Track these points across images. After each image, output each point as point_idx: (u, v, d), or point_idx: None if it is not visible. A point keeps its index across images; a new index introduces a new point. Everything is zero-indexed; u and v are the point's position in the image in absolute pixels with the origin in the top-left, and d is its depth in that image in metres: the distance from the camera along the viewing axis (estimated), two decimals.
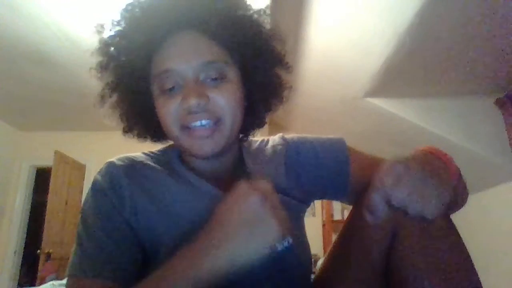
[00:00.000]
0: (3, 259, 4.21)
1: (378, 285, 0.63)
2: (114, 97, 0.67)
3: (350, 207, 0.75)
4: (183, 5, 0.59)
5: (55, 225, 3.92)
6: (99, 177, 0.64)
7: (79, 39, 2.84)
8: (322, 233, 4.25)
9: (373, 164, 0.71)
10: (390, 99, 2.84)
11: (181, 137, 0.60)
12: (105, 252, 0.57)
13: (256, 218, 0.47)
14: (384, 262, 0.62)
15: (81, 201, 4.45)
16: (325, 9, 2.27)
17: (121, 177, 0.63)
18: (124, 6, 0.63)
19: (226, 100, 0.59)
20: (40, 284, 1.11)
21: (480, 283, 0.57)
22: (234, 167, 0.69)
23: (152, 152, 0.72)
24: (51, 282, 1.07)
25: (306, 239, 0.73)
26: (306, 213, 0.76)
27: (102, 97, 0.68)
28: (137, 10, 0.61)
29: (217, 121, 0.59)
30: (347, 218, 0.74)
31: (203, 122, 0.58)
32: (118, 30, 0.63)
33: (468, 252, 0.59)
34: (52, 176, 3.93)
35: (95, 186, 0.63)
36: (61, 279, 1.18)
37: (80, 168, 4.50)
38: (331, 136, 0.76)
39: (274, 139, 0.77)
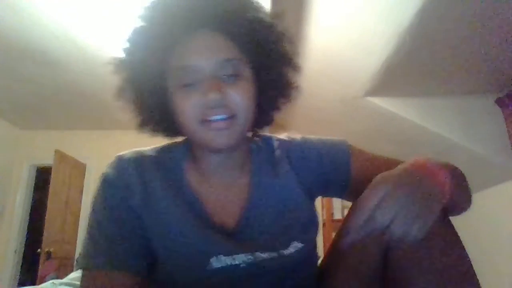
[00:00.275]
0: (3, 258, 4.21)
1: (375, 285, 0.63)
2: (130, 92, 0.69)
3: (350, 206, 0.75)
4: (203, 5, 0.62)
5: (56, 224, 3.92)
6: (109, 170, 0.65)
7: (79, 38, 2.84)
8: (323, 233, 4.24)
9: (374, 162, 0.72)
10: (390, 98, 2.84)
11: (199, 130, 0.61)
12: (117, 244, 0.59)
13: None
14: (381, 262, 0.62)
15: (81, 200, 4.46)
16: (325, 9, 2.27)
17: (131, 171, 0.64)
18: (146, 4, 0.65)
19: (241, 97, 0.61)
20: (41, 283, 1.11)
21: (479, 283, 0.57)
22: (241, 163, 0.70)
23: (161, 148, 0.73)
24: (51, 281, 1.08)
25: (315, 239, 0.73)
26: None
27: (120, 92, 0.70)
28: (159, 7, 0.64)
29: (232, 116, 0.61)
30: (345, 216, 0.74)
31: (221, 116, 0.59)
32: (139, 26, 0.65)
33: (466, 252, 0.59)
34: (52, 175, 3.94)
35: (105, 179, 0.64)
36: (61, 278, 1.18)
37: (80, 167, 4.50)
38: (333, 137, 0.78)
39: (280, 138, 0.78)
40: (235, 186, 0.69)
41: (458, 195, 0.60)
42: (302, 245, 0.64)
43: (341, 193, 0.75)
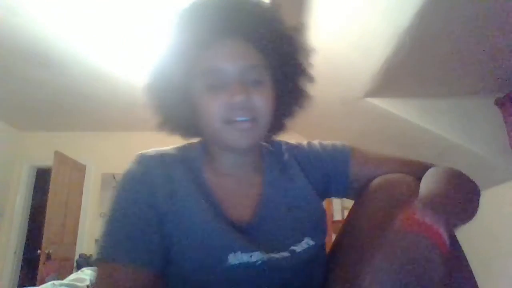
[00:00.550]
0: (3, 260, 4.21)
1: None
2: (157, 92, 0.72)
3: (350, 207, 0.76)
4: (233, 15, 0.67)
5: (55, 226, 3.92)
6: (133, 166, 0.67)
7: (80, 41, 2.84)
8: None
9: (374, 161, 0.74)
10: (390, 99, 2.84)
11: (224, 129, 0.64)
12: (138, 240, 0.60)
13: None
14: None
15: (81, 201, 4.46)
16: (325, 10, 2.27)
17: (155, 167, 0.66)
18: (180, 11, 0.70)
19: (263, 102, 0.65)
20: (41, 284, 1.11)
21: (477, 285, 0.57)
22: (254, 164, 0.74)
23: (178, 147, 0.75)
24: (51, 282, 1.07)
25: (325, 239, 0.75)
26: None
27: (146, 92, 0.73)
28: (192, 14, 0.68)
29: (254, 119, 0.65)
30: (346, 217, 0.74)
31: (245, 117, 0.64)
32: (172, 30, 0.70)
33: (465, 255, 0.60)
34: (52, 176, 3.94)
35: (127, 176, 0.66)
36: (61, 279, 1.18)
37: (80, 169, 4.50)
38: (334, 139, 0.82)
39: (287, 143, 0.83)
40: (248, 184, 0.72)
41: (460, 213, 0.59)
42: (314, 242, 0.66)
43: (343, 192, 0.78)
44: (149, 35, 2.78)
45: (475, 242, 2.64)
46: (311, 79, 0.76)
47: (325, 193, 0.78)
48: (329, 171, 0.76)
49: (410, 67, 2.39)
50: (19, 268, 4.33)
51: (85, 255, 3.98)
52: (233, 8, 0.68)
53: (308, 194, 0.73)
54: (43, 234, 3.74)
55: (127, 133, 4.65)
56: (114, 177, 4.51)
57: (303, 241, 0.65)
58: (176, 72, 0.68)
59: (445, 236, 0.49)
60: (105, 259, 0.60)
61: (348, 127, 3.48)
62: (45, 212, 3.79)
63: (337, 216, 4.07)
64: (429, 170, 0.69)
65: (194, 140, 0.78)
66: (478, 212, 0.65)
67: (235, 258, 0.60)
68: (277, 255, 0.62)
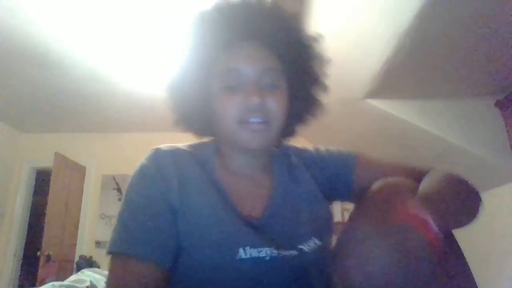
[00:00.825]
0: (3, 261, 4.21)
1: None
2: (176, 91, 0.74)
3: (350, 209, 0.76)
4: (254, 19, 0.69)
5: (55, 227, 3.92)
6: (146, 162, 0.67)
7: (80, 41, 2.85)
8: None
9: (379, 167, 0.76)
10: (390, 100, 2.84)
11: (237, 129, 0.66)
12: (150, 235, 0.61)
13: None
14: None
15: (81, 203, 4.46)
16: (325, 11, 2.28)
17: (168, 163, 0.67)
18: (201, 12, 0.71)
19: (277, 106, 0.67)
20: (40, 286, 1.11)
21: (476, 285, 0.58)
22: (264, 166, 0.76)
23: (192, 144, 0.77)
24: (51, 283, 1.07)
25: (331, 241, 0.76)
26: None
27: (166, 90, 0.74)
28: (214, 16, 0.70)
29: (267, 122, 0.66)
30: (347, 220, 0.74)
31: (259, 119, 0.65)
32: (192, 31, 0.72)
33: (464, 257, 0.60)
34: (52, 177, 3.94)
35: (141, 170, 0.67)
36: (61, 281, 1.18)
37: (80, 170, 4.50)
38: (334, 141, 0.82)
39: (295, 147, 0.85)
40: (258, 184, 0.73)
41: (457, 214, 0.60)
42: (321, 243, 0.67)
43: (347, 197, 0.79)
44: (149, 36, 2.79)
45: (475, 242, 2.64)
46: (324, 88, 0.78)
47: (330, 196, 0.79)
48: (334, 175, 0.78)
49: (410, 68, 2.39)
50: (19, 270, 4.33)
51: (85, 256, 3.98)
52: (254, 13, 0.70)
53: (315, 196, 0.75)
54: (43, 236, 3.74)
55: (127, 135, 4.66)
56: (114, 179, 4.51)
57: (311, 241, 0.66)
58: (195, 72, 0.70)
59: (436, 231, 0.50)
60: (120, 253, 0.61)
61: (348, 128, 3.48)
62: (45, 214, 3.79)
63: (337, 218, 4.08)
64: (430, 172, 0.70)
65: (206, 139, 0.80)
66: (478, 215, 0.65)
67: (245, 253, 0.60)
68: (286, 252, 0.62)
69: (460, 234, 0.66)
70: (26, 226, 4.47)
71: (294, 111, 0.74)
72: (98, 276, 1.24)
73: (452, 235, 0.61)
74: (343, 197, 0.80)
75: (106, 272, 1.32)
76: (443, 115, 2.79)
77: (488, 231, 2.81)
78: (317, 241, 0.67)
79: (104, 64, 3.16)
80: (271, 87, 0.67)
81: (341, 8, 2.21)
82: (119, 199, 4.41)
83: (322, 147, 0.85)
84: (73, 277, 1.21)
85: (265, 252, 0.61)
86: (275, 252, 0.62)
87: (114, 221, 0.65)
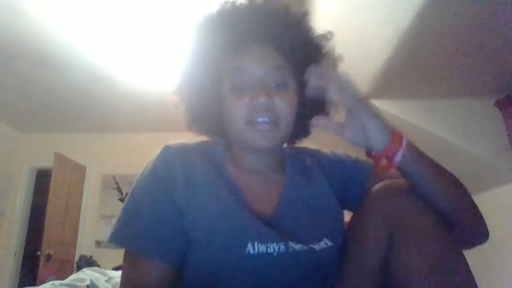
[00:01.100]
0: (3, 261, 4.21)
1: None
2: (186, 92, 0.74)
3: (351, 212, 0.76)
4: (261, 21, 0.70)
5: (55, 227, 3.92)
6: (154, 159, 0.68)
7: (80, 41, 2.85)
8: None
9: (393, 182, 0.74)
10: (390, 101, 2.84)
11: (245, 130, 0.66)
12: (155, 232, 0.61)
13: None
14: (381, 274, 0.63)
15: (81, 203, 4.46)
16: (324, 11, 2.28)
17: (175, 161, 0.67)
18: (209, 15, 0.72)
19: (285, 105, 0.67)
20: (41, 285, 1.11)
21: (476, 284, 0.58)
22: (276, 166, 0.76)
23: (203, 142, 0.77)
24: (51, 282, 1.08)
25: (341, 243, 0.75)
26: None
27: (176, 92, 0.75)
28: (222, 18, 0.71)
29: (275, 121, 0.66)
30: (348, 221, 0.75)
31: (266, 119, 0.65)
32: (200, 34, 0.72)
33: (464, 257, 0.60)
34: (52, 177, 3.94)
35: (150, 168, 0.67)
36: (62, 279, 1.18)
37: (80, 170, 4.50)
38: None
39: (311, 149, 0.85)
40: (270, 183, 0.73)
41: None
42: (332, 243, 0.67)
43: (355, 204, 0.77)
44: (150, 36, 2.79)
45: None
46: None
47: (344, 201, 0.78)
48: (349, 181, 0.78)
49: (410, 68, 2.39)
50: (19, 269, 4.33)
51: (85, 256, 3.98)
52: (261, 15, 0.70)
53: (328, 198, 0.75)
54: (43, 235, 3.74)
55: (127, 135, 4.66)
56: (114, 178, 4.51)
57: (322, 241, 0.66)
58: (204, 73, 0.71)
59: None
60: (130, 250, 0.62)
61: None
62: (45, 214, 3.79)
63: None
64: None
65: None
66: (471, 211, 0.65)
67: (253, 248, 0.60)
68: (294, 250, 0.62)
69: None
70: (26, 226, 4.47)
71: (306, 110, 0.74)
72: (98, 275, 1.24)
73: (451, 235, 0.61)
74: (351, 205, 0.78)
75: (107, 271, 1.32)
76: (443, 115, 2.78)
77: (488, 231, 2.81)
78: (328, 242, 0.66)
79: (104, 64, 3.16)
80: (279, 86, 0.67)
81: (340, 8, 2.21)
82: (119, 199, 4.41)
83: (340, 151, 0.84)
84: (73, 276, 1.21)
85: (273, 248, 0.61)
86: (283, 248, 0.61)
87: (114, 221, 0.65)
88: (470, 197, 0.65)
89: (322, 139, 0.85)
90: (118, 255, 0.64)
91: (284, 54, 0.70)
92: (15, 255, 4.26)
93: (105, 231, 4.24)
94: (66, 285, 1.09)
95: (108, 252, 3.74)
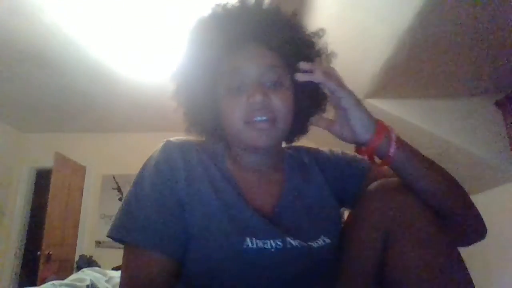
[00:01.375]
0: (3, 261, 4.21)
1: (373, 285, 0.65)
2: (184, 95, 0.75)
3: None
4: (255, 22, 0.70)
5: (56, 227, 3.92)
6: (156, 154, 0.69)
7: (80, 41, 2.85)
8: None
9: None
10: (390, 101, 2.84)
11: (244, 130, 0.67)
12: (156, 224, 0.62)
13: None
14: (378, 272, 0.64)
15: (81, 203, 4.47)
16: (324, 11, 2.28)
17: (176, 155, 0.68)
18: (203, 17, 0.73)
19: (281, 103, 0.67)
20: (41, 285, 1.11)
21: (471, 281, 0.58)
22: (275, 165, 0.77)
23: (201, 140, 0.78)
24: (51, 282, 1.08)
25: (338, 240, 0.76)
26: None
27: (174, 95, 0.76)
28: (216, 21, 0.72)
29: (273, 119, 0.67)
30: (345, 221, 0.75)
31: (264, 117, 0.66)
32: (196, 36, 0.73)
33: (460, 255, 0.60)
34: (52, 178, 3.94)
35: (151, 162, 0.68)
36: (62, 279, 1.18)
37: (80, 170, 4.50)
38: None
39: (309, 148, 0.86)
40: (269, 181, 0.74)
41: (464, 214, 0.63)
42: (330, 241, 0.68)
43: (351, 201, 0.78)
44: (150, 35, 2.79)
45: (474, 244, 2.63)
46: None
47: (342, 198, 0.79)
48: (346, 179, 0.79)
49: (410, 68, 2.39)
50: (20, 269, 4.33)
51: (85, 256, 3.98)
52: (253, 15, 0.71)
53: (326, 196, 0.76)
54: (43, 235, 3.74)
55: (127, 135, 4.66)
56: (114, 179, 4.51)
57: (320, 239, 0.67)
58: (200, 76, 0.71)
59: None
60: (130, 243, 0.62)
61: None
62: (45, 214, 3.79)
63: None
64: None
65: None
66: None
67: (252, 243, 0.61)
68: (293, 243, 0.63)
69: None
70: (26, 226, 4.47)
71: (303, 107, 0.75)
72: (98, 275, 1.24)
73: (447, 233, 0.62)
74: (349, 202, 0.79)
75: (107, 271, 1.32)
76: (443, 115, 2.78)
77: (488, 230, 2.81)
78: (326, 239, 0.67)
79: (104, 64, 3.16)
80: (275, 85, 0.68)
81: (340, 8, 2.21)
82: (119, 199, 4.41)
83: (336, 149, 0.85)
84: (73, 276, 1.21)
85: (271, 244, 0.62)
86: (280, 245, 0.62)
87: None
88: (465, 193, 0.66)
89: (320, 138, 0.85)
90: (118, 255, 0.65)
91: (278, 53, 0.71)
92: (15, 254, 4.26)
93: (105, 231, 4.17)
94: (66, 285, 1.09)
95: (108, 252, 3.74)
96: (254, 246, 0.61)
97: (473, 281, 0.59)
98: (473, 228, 0.67)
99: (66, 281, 1.14)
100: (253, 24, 0.70)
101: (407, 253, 0.60)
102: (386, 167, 0.67)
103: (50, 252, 3.75)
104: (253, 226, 0.63)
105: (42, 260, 3.69)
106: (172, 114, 0.77)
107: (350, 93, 0.66)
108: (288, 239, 0.63)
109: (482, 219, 0.67)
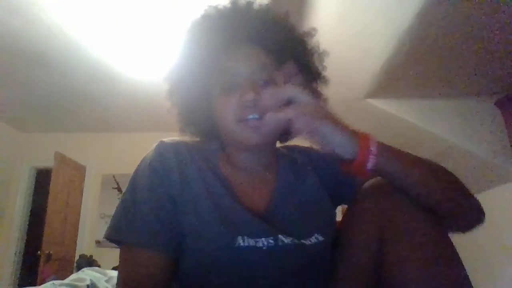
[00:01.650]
0: (3, 260, 4.21)
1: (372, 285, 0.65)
2: (178, 95, 0.76)
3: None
4: (246, 22, 0.72)
5: (56, 226, 3.92)
6: (150, 154, 0.70)
7: (80, 41, 2.85)
8: None
9: None
10: (390, 100, 2.85)
11: (236, 128, 0.68)
12: (155, 225, 0.62)
13: None
14: (373, 270, 0.64)
15: (81, 202, 4.46)
16: (324, 10, 2.28)
17: (170, 155, 0.69)
18: (196, 18, 0.74)
19: (273, 101, 0.67)
20: (41, 285, 1.11)
21: (467, 276, 0.58)
22: (268, 164, 0.77)
23: (197, 140, 0.79)
24: (51, 282, 1.08)
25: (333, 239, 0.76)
26: None
27: (168, 96, 0.77)
28: (209, 21, 0.73)
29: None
30: (341, 220, 0.76)
31: (256, 115, 0.66)
32: (189, 38, 0.74)
33: (459, 257, 0.60)
34: (52, 177, 3.94)
35: (145, 163, 0.69)
36: (62, 279, 1.18)
37: (80, 170, 4.50)
38: None
39: (302, 147, 0.86)
40: (262, 180, 0.75)
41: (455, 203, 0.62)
42: (323, 238, 0.68)
43: (351, 197, 0.78)
44: (150, 35, 2.79)
45: (475, 242, 2.63)
46: (325, 81, 0.80)
47: (336, 197, 0.80)
48: (339, 175, 0.79)
49: (410, 68, 2.40)
50: (20, 269, 4.33)
51: (85, 256, 3.98)
52: (244, 16, 0.72)
53: (319, 194, 0.76)
54: (43, 235, 3.74)
55: (128, 134, 4.66)
56: (114, 178, 4.51)
57: (313, 237, 0.67)
58: (194, 76, 0.72)
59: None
60: (127, 243, 0.63)
61: None
62: (46, 213, 3.79)
63: (338, 217, 4.10)
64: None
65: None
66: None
67: (243, 242, 0.62)
68: (285, 240, 0.63)
69: (459, 235, 0.66)
70: (26, 226, 4.47)
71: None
72: (98, 275, 1.24)
73: (443, 228, 0.62)
74: (346, 200, 0.79)
75: (107, 271, 1.32)
76: (444, 115, 2.79)
77: (488, 230, 2.81)
78: (319, 237, 0.67)
79: (104, 64, 3.16)
80: (267, 83, 0.69)
81: (340, 7, 2.21)
82: (119, 199, 4.40)
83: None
84: (73, 276, 1.21)
85: (262, 242, 0.62)
86: (272, 242, 0.63)
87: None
88: (454, 178, 0.64)
89: None
90: (118, 254, 0.65)
91: (270, 52, 0.72)
92: (15, 254, 4.26)
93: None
94: (66, 285, 1.09)
95: (108, 252, 3.74)
96: (246, 244, 0.62)
97: (473, 281, 0.59)
98: (471, 214, 0.66)
99: (66, 281, 1.14)
100: (245, 25, 0.72)
101: (403, 252, 0.60)
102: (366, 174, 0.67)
103: (50, 252, 3.74)
104: (244, 225, 0.64)
105: (42, 260, 3.68)
106: (173, 114, 0.78)
107: (324, 119, 0.60)
108: (280, 236, 0.64)
109: (477, 202, 0.65)
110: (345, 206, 0.78)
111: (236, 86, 0.68)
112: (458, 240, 0.65)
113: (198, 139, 0.79)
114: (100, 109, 4.09)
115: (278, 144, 0.82)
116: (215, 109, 0.71)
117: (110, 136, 4.71)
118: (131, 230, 0.62)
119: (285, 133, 0.78)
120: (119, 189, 4.49)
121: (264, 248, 0.62)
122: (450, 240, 0.62)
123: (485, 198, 0.67)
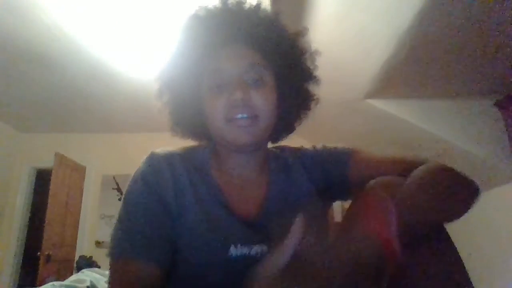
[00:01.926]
0: (3, 261, 4.20)
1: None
2: (168, 95, 0.77)
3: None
4: (236, 22, 0.71)
5: (55, 227, 3.92)
6: (143, 167, 0.70)
7: (80, 41, 2.85)
8: None
9: (375, 163, 0.75)
10: (390, 101, 2.85)
11: (225, 128, 0.68)
12: (149, 237, 0.63)
13: None
14: (375, 271, 0.63)
15: (81, 203, 4.46)
16: (325, 10, 2.27)
17: (163, 167, 0.69)
18: (187, 17, 0.75)
19: (263, 100, 0.68)
20: (40, 286, 1.11)
21: (468, 277, 0.58)
22: (260, 166, 0.77)
23: (187, 148, 0.79)
24: (51, 283, 1.08)
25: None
26: None
27: (158, 95, 0.78)
28: (198, 23, 0.73)
29: (255, 117, 0.67)
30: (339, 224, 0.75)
31: (244, 115, 0.66)
32: (180, 37, 0.74)
33: (460, 257, 0.60)
34: (52, 178, 3.93)
35: (138, 175, 0.69)
36: (61, 280, 1.18)
37: (80, 170, 4.50)
38: (334, 140, 0.84)
39: (292, 148, 0.86)
40: (254, 185, 0.75)
41: (437, 212, 0.60)
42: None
43: (344, 195, 0.79)
44: (150, 35, 2.79)
45: (475, 242, 2.63)
46: (316, 81, 0.79)
47: (328, 195, 0.79)
48: (330, 173, 0.78)
49: (410, 68, 2.40)
50: (19, 270, 4.33)
51: (85, 256, 3.98)
52: (236, 16, 0.72)
53: (311, 196, 0.75)
54: (43, 236, 3.74)
55: (128, 135, 4.66)
56: (114, 179, 4.51)
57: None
58: (185, 76, 0.72)
59: (394, 248, 0.50)
60: (120, 255, 0.63)
61: (348, 128, 3.48)
62: (45, 214, 3.78)
63: (338, 218, 4.09)
64: (421, 166, 0.67)
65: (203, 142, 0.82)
66: (477, 214, 0.64)
67: (236, 250, 0.62)
68: None
69: (460, 234, 0.66)
70: (26, 226, 4.46)
71: (287, 106, 0.75)
72: (98, 276, 1.24)
73: (443, 228, 0.61)
74: (340, 195, 0.80)
75: (106, 272, 1.32)
76: (443, 115, 2.79)
77: (488, 231, 2.81)
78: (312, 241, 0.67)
79: (104, 64, 3.16)
80: (256, 83, 0.69)
81: (341, 8, 2.21)
82: (119, 199, 4.40)
83: (319, 145, 0.85)
84: (73, 277, 1.21)
85: (255, 250, 0.63)
86: (265, 249, 0.63)
87: (114, 221, 0.67)
88: (454, 179, 0.64)
89: (314, 135, 0.85)
90: None
91: (260, 52, 0.72)
92: (15, 255, 4.26)
93: (105, 231, 4.23)
94: (66, 286, 1.09)
95: None
96: (239, 253, 0.62)
97: (473, 281, 0.59)
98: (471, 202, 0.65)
99: (66, 282, 1.14)
100: (234, 25, 0.71)
101: (405, 253, 0.60)
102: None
103: (50, 253, 3.74)
104: (236, 233, 0.64)
105: (42, 261, 3.68)
106: (165, 114, 0.79)
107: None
108: (272, 243, 0.63)
109: (472, 182, 0.65)
110: (345, 207, 0.78)
111: (225, 86, 0.68)
112: (458, 240, 0.65)
113: (188, 145, 0.79)
114: (100, 110, 4.09)
115: (269, 145, 0.82)
116: (205, 109, 0.71)
117: (110, 136, 4.71)
118: (127, 244, 0.62)
119: (276, 132, 0.78)
120: (119, 190, 4.49)
121: (258, 255, 0.62)
122: (450, 238, 0.62)
123: (485, 198, 0.67)
